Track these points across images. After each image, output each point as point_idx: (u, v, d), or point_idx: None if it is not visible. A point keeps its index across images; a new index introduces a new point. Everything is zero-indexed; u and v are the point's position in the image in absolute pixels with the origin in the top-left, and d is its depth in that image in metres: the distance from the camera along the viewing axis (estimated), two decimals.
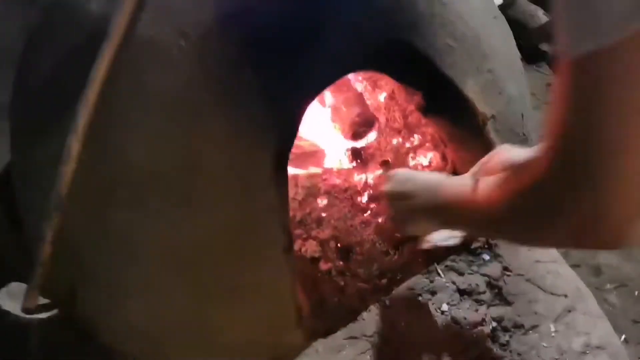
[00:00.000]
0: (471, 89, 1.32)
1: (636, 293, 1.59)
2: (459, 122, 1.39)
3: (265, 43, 1.12)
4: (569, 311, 1.30)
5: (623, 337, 1.50)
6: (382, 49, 1.22)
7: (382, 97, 1.72)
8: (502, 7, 2.35)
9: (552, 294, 1.33)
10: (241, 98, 1.12)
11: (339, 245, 1.45)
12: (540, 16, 2.31)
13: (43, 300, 1.21)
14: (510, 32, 1.72)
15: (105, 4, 1.16)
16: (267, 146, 1.13)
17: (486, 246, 1.42)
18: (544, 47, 2.38)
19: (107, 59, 1.08)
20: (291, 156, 1.51)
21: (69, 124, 1.10)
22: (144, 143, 1.16)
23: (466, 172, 1.49)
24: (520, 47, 2.28)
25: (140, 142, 1.16)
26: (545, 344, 1.25)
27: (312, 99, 1.16)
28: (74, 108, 1.10)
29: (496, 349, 1.26)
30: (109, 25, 1.09)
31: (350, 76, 1.70)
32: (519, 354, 1.25)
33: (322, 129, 1.66)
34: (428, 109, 1.38)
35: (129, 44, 1.10)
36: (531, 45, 2.35)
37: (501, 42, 1.50)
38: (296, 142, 1.57)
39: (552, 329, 1.27)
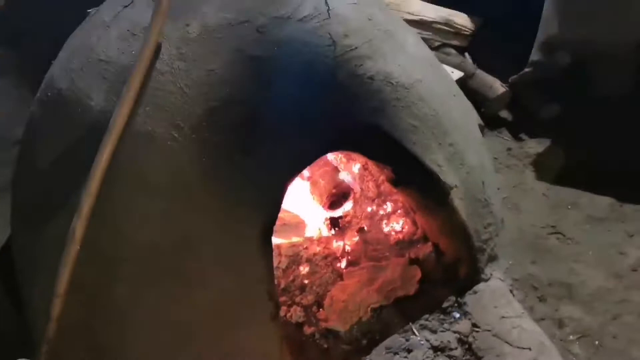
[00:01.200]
0: (434, 163, 1.46)
1: (597, 342, 1.69)
2: (426, 192, 1.51)
3: (248, 132, 1.25)
4: None
5: None
6: (353, 131, 1.35)
7: (356, 168, 1.85)
8: (463, 79, 2.53)
9: (517, 347, 1.44)
10: (230, 182, 1.24)
11: (321, 309, 1.55)
12: (497, 87, 2.47)
13: None
14: (470, 106, 1.89)
15: (103, 101, 1.29)
16: (254, 223, 1.25)
17: (456, 304, 1.53)
18: (503, 114, 2.55)
19: (108, 149, 1.20)
20: (274, 228, 1.64)
21: (73, 208, 1.21)
22: (143, 225, 1.27)
23: (435, 237, 1.63)
24: (482, 115, 2.47)
25: (139, 224, 1.27)
26: None
27: (293, 178, 1.29)
28: (78, 193, 1.21)
29: None
30: (110, 119, 1.21)
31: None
32: None
33: (302, 202, 1.77)
34: (397, 181, 1.50)
35: (128, 136, 1.22)
36: (491, 113, 2.51)
37: (460, 117, 1.65)
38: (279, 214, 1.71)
39: None
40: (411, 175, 1.47)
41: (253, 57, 1.28)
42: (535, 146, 2.38)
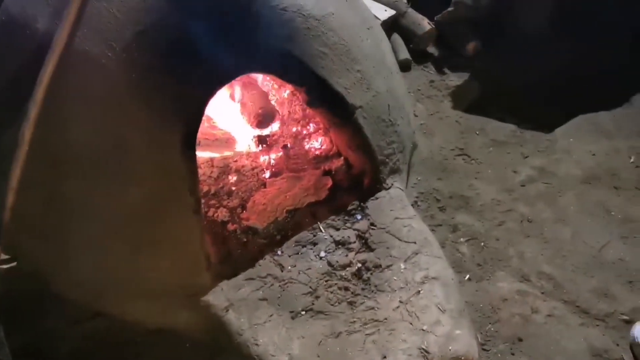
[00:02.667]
0: (341, 86, 1.65)
1: (482, 244, 1.93)
2: (335, 112, 1.70)
3: (172, 53, 1.42)
4: (416, 254, 1.65)
5: (467, 276, 1.86)
6: (267, 56, 1.54)
7: (285, 94, 2.04)
8: (395, 17, 2.70)
9: (405, 241, 1.68)
10: (155, 95, 1.41)
11: (244, 211, 1.77)
12: (425, 24, 2.61)
13: (4, 256, 1.50)
14: (385, 40, 2.05)
15: (47, 23, 1.44)
16: (176, 131, 1.43)
17: (359, 208, 1.76)
18: (431, 50, 2.72)
19: (51, 65, 1.37)
20: (208, 142, 1.84)
21: (23, 117, 1.39)
22: (83, 130, 1.45)
23: (344, 151, 1.84)
24: (410, 50, 2.65)
25: (80, 130, 1.44)
26: (395, 278, 1.60)
27: (212, 94, 1.46)
28: (26, 105, 1.39)
29: (359, 283, 1.60)
30: (52, 40, 1.38)
31: (258, 77, 2.02)
32: (375, 286, 1.59)
33: (234, 121, 1.96)
34: (311, 102, 1.69)
35: (68, 54, 1.39)
36: (419, 49, 2.66)
37: (372, 48, 1.82)
38: (212, 131, 1.91)
39: (402, 267, 1.62)
40: (321, 96, 1.65)
41: None
42: (455, 79, 2.57)
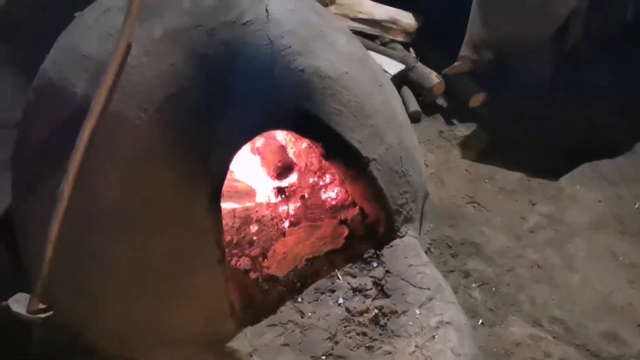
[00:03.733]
0: (356, 140, 1.73)
1: (493, 289, 1.97)
2: (350, 164, 1.77)
3: (199, 114, 1.52)
4: (431, 299, 1.70)
5: (480, 321, 1.90)
6: (286, 114, 1.63)
7: (302, 146, 2.13)
8: (405, 71, 2.80)
9: (419, 287, 1.73)
10: (184, 153, 1.50)
11: (265, 260, 1.84)
12: (433, 78, 2.71)
13: (42, 306, 1.56)
14: (396, 95, 2.14)
15: (85, 88, 1.55)
16: (203, 187, 1.51)
17: (375, 256, 1.82)
18: (439, 101, 2.80)
19: (89, 127, 1.46)
20: (230, 194, 1.92)
21: (61, 174, 1.47)
22: (114, 186, 1.53)
23: (359, 202, 1.91)
24: (420, 102, 2.75)
25: (110, 185, 1.53)
26: (411, 323, 1.65)
27: (236, 152, 1.55)
28: (65, 163, 1.47)
29: (376, 329, 1.65)
30: (90, 104, 1.48)
31: (277, 132, 2.11)
32: (392, 331, 1.64)
33: (254, 173, 2.04)
34: (327, 155, 1.76)
35: (104, 116, 1.49)
36: (428, 101, 2.75)
37: (383, 104, 1.91)
38: (233, 183, 1.99)
39: (417, 313, 1.67)
40: (338, 150, 1.73)
41: (204, 55, 1.54)
42: (463, 130, 2.65)
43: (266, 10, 1.66)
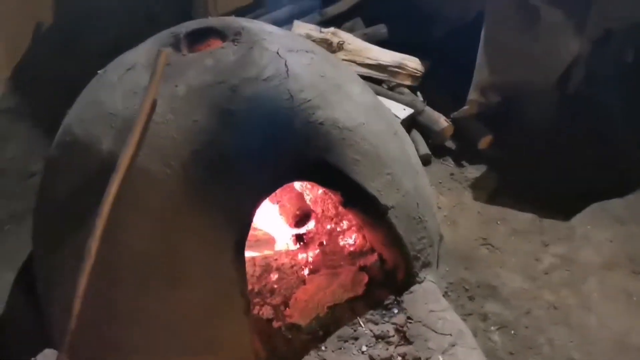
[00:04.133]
0: (374, 188, 1.75)
1: (512, 332, 1.97)
2: (368, 212, 1.80)
3: (223, 167, 1.55)
4: (453, 345, 1.70)
5: None
6: (307, 165, 1.66)
7: (319, 192, 2.16)
8: (413, 115, 2.84)
9: (441, 334, 1.73)
10: (209, 206, 1.53)
11: (287, 308, 1.85)
12: (442, 121, 2.75)
13: None
14: (409, 142, 2.19)
15: (111, 145, 1.59)
16: (228, 239, 1.53)
17: (395, 302, 1.83)
18: (448, 144, 2.82)
19: (115, 183, 1.49)
20: (249, 243, 1.94)
21: (88, 230, 1.49)
22: (140, 240, 1.56)
23: (378, 248, 1.93)
24: (429, 145, 2.78)
25: (137, 238, 1.56)
26: None
27: (259, 204, 1.58)
28: (92, 219, 1.50)
29: None
30: (117, 159, 1.51)
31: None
32: None
33: (273, 221, 2.06)
34: (346, 204, 1.79)
35: (131, 172, 1.52)
36: (438, 144, 2.78)
37: (398, 151, 1.95)
38: (253, 232, 2.01)
39: (440, 359, 1.68)
40: (356, 198, 1.75)
41: (227, 110, 1.59)
42: (473, 171, 2.68)
43: (285, 65, 1.72)
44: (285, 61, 1.72)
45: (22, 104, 2.63)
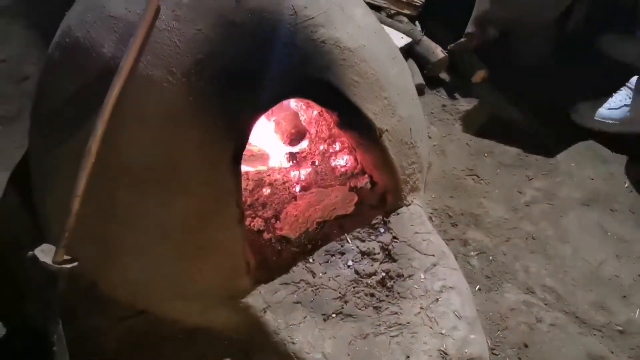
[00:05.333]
0: (371, 111, 1.77)
1: (490, 257, 2.04)
2: (364, 134, 1.82)
3: (225, 79, 1.55)
4: (435, 265, 1.77)
5: (478, 287, 1.97)
6: (307, 83, 1.66)
7: (313, 114, 2.17)
8: (411, 44, 2.83)
9: (424, 254, 1.80)
10: (208, 116, 1.54)
11: (278, 222, 1.89)
12: (438, 52, 2.73)
13: (66, 257, 1.60)
14: (407, 69, 2.19)
15: (113, 49, 1.57)
16: (226, 149, 1.55)
17: (382, 222, 1.88)
18: (443, 76, 2.82)
19: (117, 87, 1.48)
20: (244, 157, 1.96)
21: (88, 131, 1.50)
22: (141, 145, 1.57)
23: (370, 170, 1.96)
24: (424, 75, 2.79)
25: (138, 144, 1.57)
26: (416, 286, 1.72)
27: (258, 117, 1.59)
28: (92, 121, 1.50)
29: (383, 290, 1.73)
30: (119, 64, 1.50)
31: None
32: (398, 293, 1.71)
33: (268, 138, 2.08)
34: (342, 125, 1.81)
35: (132, 77, 1.51)
36: (432, 75, 2.78)
37: (396, 77, 1.95)
38: (248, 147, 2.03)
39: (422, 277, 1.74)
40: (352, 120, 1.77)
41: (231, 22, 1.56)
42: (465, 104, 2.69)
43: None
44: None
45: (18, 4, 2.56)
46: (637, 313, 1.96)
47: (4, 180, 2.20)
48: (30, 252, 1.60)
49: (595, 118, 2.53)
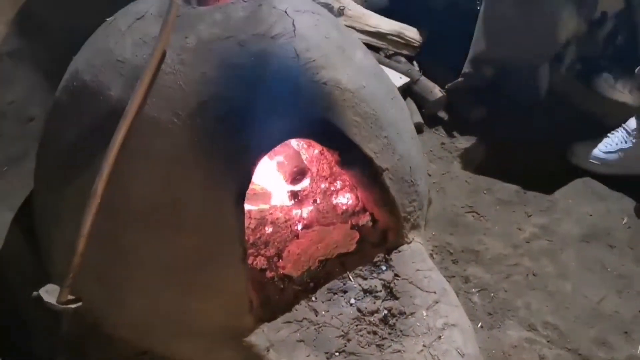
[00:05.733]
0: (371, 150, 1.80)
1: (492, 295, 2.05)
2: (364, 173, 1.84)
3: (229, 121, 1.58)
4: (436, 302, 1.77)
5: (480, 324, 1.98)
6: (309, 123, 1.70)
7: (315, 152, 2.20)
8: (409, 84, 2.88)
9: (426, 291, 1.80)
10: (213, 157, 1.56)
11: (280, 260, 1.90)
12: (436, 92, 2.78)
13: (70, 297, 1.61)
14: (406, 108, 2.23)
15: (120, 92, 1.61)
16: (230, 189, 1.57)
17: (384, 260, 1.89)
18: (440, 114, 2.87)
19: (123, 129, 1.51)
20: (247, 196, 1.98)
21: (94, 173, 1.52)
22: (145, 186, 1.59)
23: (371, 208, 1.98)
24: (423, 114, 2.83)
25: (143, 185, 1.59)
26: (419, 324, 1.72)
27: (261, 157, 1.61)
28: (98, 162, 1.52)
29: (386, 328, 1.73)
30: (125, 107, 1.53)
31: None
32: (401, 331, 1.71)
33: (270, 177, 2.10)
34: (343, 164, 1.83)
35: (139, 120, 1.54)
36: (431, 113, 2.83)
37: (396, 116, 1.99)
38: (251, 186, 2.05)
39: (424, 314, 1.74)
40: (353, 159, 1.79)
41: (235, 64, 1.60)
42: (463, 142, 2.73)
43: (293, 24, 1.74)
44: (293, 20, 1.74)
45: (25, 48, 2.60)
46: (639, 349, 1.95)
47: (9, 220, 2.21)
48: (35, 292, 1.61)
49: (592, 161, 2.56)
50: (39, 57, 2.64)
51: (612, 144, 2.53)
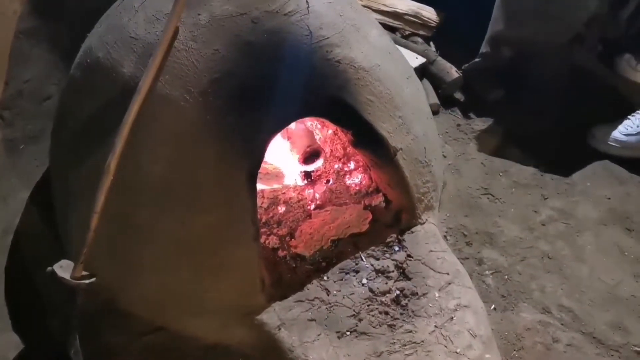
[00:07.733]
0: (385, 130, 1.78)
1: (506, 277, 2.04)
2: (378, 153, 1.83)
3: (242, 98, 1.57)
4: (449, 284, 1.76)
5: (493, 306, 1.96)
6: (322, 102, 1.68)
7: (328, 132, 2.18)
8: (425, 64, 2.84)
9: (439, 272, 1.79)
10: (225, 135, 1.56)
11: (293, 239, 1.90)
12: (453, 72, 2.74)
13: (84, 273, 1.62)
14: (421, 88, 2.20)
15: (133, 69, 1.60)
16: (242, 168, 1.56)
17: (397, 240, 1.88)
18: (457, 95, 2.83)
19: (136, 106, 1.51)
20: (260, 176, 1.98)
21: (107, 149, 1.52)
22: (159, 163, 1.59)
23: (384, 189, 1.96)
24: (439, 95, 2.79)
25: (156, 163, 1.59)
26: (431, 305, 1.71)
27: (274, 136, 1.60)
28: (112, 139, 1.52)
29: (398, 309, 1.72)
30: (138, 83, 1.53)
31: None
32: (413, 311, 1.71)
33: (283, 156, 2.10)
34: (356, 143, 1.82)
35: (151, 96, 1.54)
36: (447, 94, 2.79)
37: (411, 96, 1.96)
38: (264, 165, 2.05)
39: (437, 295, 1.73)
40: (367, 139, 1.78)
41: (248, 42, 1.59)
42: (480, 124, 2.70)
43: (307, 2, 1.71)
44: None
45: (42, 26, 2.61)
46: None
47: (25, 198, 2.23)
48: (49, 268, 1.62)
49: (612, 143, 2.51)
50: (56, 35, 2.65)
51: (632, 126, 2.48)
